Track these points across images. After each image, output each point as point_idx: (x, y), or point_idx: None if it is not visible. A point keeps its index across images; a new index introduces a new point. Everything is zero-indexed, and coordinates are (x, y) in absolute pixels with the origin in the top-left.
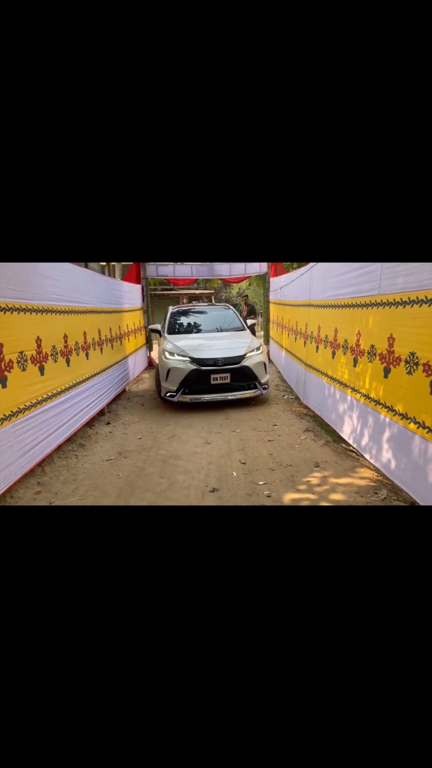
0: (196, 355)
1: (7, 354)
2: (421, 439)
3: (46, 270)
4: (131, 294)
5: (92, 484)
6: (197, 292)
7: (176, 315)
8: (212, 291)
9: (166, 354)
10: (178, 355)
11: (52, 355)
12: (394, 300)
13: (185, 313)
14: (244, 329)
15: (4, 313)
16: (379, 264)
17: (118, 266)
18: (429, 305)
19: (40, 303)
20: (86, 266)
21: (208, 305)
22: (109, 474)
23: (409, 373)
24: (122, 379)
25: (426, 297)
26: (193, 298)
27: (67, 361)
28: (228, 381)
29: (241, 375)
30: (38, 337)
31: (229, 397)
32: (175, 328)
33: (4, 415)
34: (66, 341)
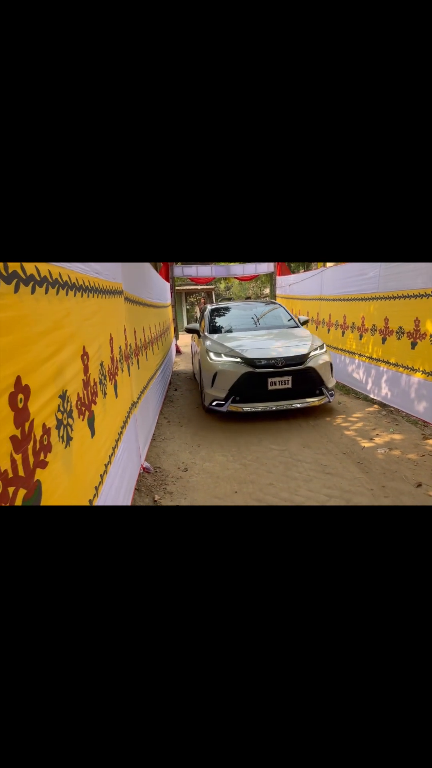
0: (249, 355)
1: (138, 339)
2: (406, 376)
3: (149, 270)
4: (167, 291)
5: None
6: (199, 287)
7: (216, 313)
8: (212, 287)
9: (211, 355)
10: (227, 355)
11: (150, 343)
12: (388, 295)
13: (226, 310)
14: (298, 326)
15: (133, 304)
16: (377, 272)
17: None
18: (407, 298)
19: (147, 299)
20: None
21: (251, 302)
22: None
23: (399, 339)
24: (169, 368)
25: (406, 293)
26: (190, 293)
27: (151, 351)
28: (289, 386)
29: (304, 379)
30: (143, 327)
31: (296, 405)
32: (216, 327)
33: (143, 386)
34: (150, 332)
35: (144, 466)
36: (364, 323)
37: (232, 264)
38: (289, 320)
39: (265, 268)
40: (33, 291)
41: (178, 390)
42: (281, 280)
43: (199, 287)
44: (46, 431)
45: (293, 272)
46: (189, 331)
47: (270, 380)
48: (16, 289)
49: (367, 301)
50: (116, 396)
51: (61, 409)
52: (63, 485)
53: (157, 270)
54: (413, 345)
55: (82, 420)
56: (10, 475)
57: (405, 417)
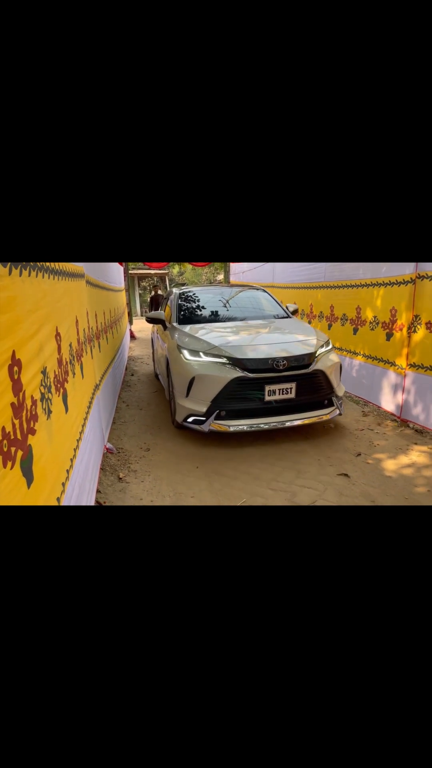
0: (239, 355)
1: (101, 322)
2: (349, 359)
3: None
4: (121, 275)
5: None
6: (152, 272)
7: (186, 298)
8: (166, 272)
9: (185, 354)
10: (208, 354)
11: (109, 327)
12: (334, 285)
13: (197, 295)
14: (289, 316)
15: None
16: (324, 264)
17: None
18: (350, 288)
19: (104, 282)
20: None
21: (228, 286)
22: None
23: (342, 325)
24: (125, 353)
25: (349, 283)
26: (143, 277)
27: (111, 335)
28: (292, 396)
29: (311, 385)
30: (103, 311)
31: (299, 422)
32: (187, 317)
33: (104, 369)
34: (109, 316)
35: (107, 446)
36: (312, 310)
37: None
38: (275, 308)
39: None
40: (21, 274)
41: (134, 375)
42: (235, 267)
43: (152, 271)
44: (34, 402)
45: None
46: (151, 320)
47: (268, 388)
48: (10, 272)
49: (315, 290)
50: (82, 376)
51: (43, 383)
52: (47, 453)
53: None
54: (355, 331)
55: (58, 396)
56: (12, 437)
57: (348, 396)
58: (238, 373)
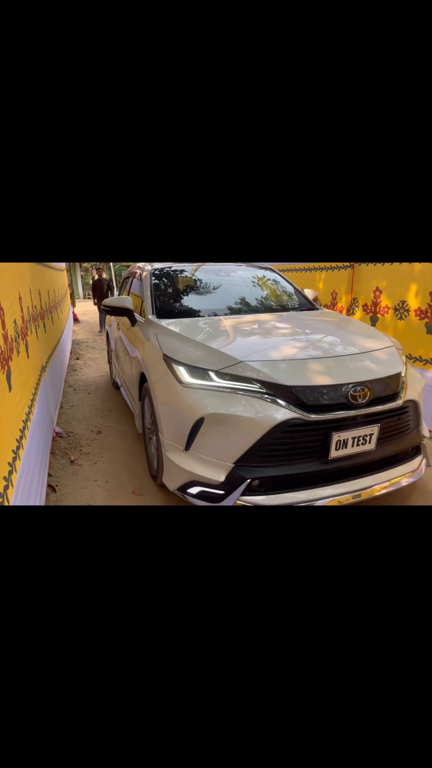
0: (288, 380)
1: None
2: None
3: None
4: None
5: None
6: None
7: (168, 280)
8: None
9: (183, 374)
10: (226, 377)
11: (53, 307)
12: (279, 269)
13: (181, 276)
14: (315, 308)
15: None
16: None
17: None
18: (295, 272)
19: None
20: None
21: (221, 264)
22: None
23: None
24: (69, 335)
25: (292, 268)
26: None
27: (56, 315)
28: (372, 446)
29: (398, 427)
30: (47, 290)
31: (378, 490)
32: (172, 307)
33: (50, 351)
34: (53, 295)
35: (56, 430)
36: None
37: None
38: (295, 296)
39: None
40: None
41: (80, 359)
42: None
43: None
44: None
45: None
46: (112, 311)
47: (336, 437)
48: None
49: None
50: (28, 356)
51: None
52: None
53: None
54: None
55: (3, 373)
56: None
57: None
58: (288, 414)
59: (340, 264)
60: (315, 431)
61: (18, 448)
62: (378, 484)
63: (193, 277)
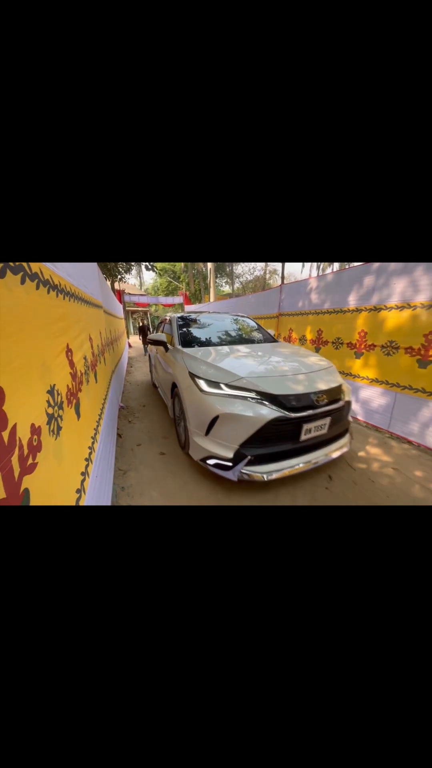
0: (275, 390)
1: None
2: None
3: (112, 295)
4: (121, 309)
5: None
6: (139, 309)
7: (186, 323)
8: (147, 309)
9: (202, 385)
10: (232, 387)
11: (114, 340)
12: (287, 314)
13: (194, 321)
14: (276, 340)
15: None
16: (277, 296)
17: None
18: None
19: (113, 311)
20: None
21: (215, 312)
22: None
23: (336, 348)
24: (125, 356)
25: (297, 312)
26: (133, 312)
27: (116, 345)
28: (326, 431)
29: (340, 417)
30: (110, 330)
31: (330, 456)
32: (190, 339)
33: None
34: (116, 332)
35: (120, 405)
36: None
37: (162, 297)
38: (263, 332)
39: (179, 299)
40: (69, 300)
41: (132, 367)
42: (188, 308)
43: (139, 309)
44: (81, 374)
45: (193, 303)
46: (153, 342)
47: (305, 427)
48: (65, 297)
49: (273, 319)
50: (105, 364)
51: (85, 364)
52: (86, 403)
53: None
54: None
55: (92, 374)
56: (72, 390)
57: None
58: (275, 414)
59: (272, 314)
60: (292, 424)
61: (100, 417)
62: (324, 456)
63: (198, 320)
